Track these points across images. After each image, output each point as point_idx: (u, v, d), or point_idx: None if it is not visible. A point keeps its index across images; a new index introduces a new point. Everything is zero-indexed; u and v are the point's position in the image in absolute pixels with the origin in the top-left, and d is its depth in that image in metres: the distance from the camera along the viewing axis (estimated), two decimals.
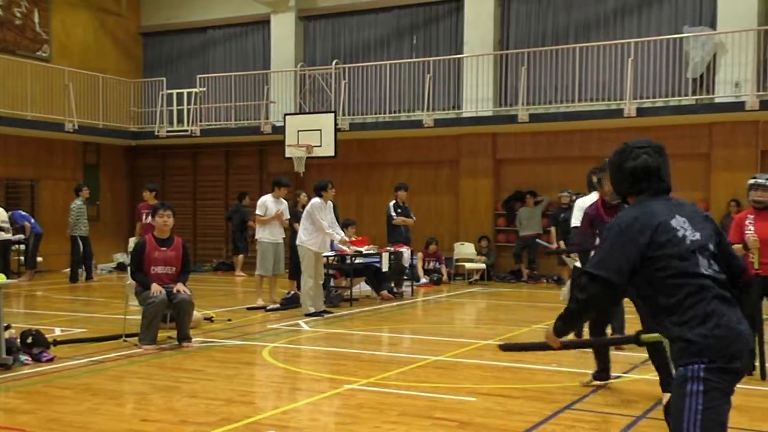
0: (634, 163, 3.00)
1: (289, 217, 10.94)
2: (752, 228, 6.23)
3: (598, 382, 5.86)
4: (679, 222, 2.85)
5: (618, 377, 6.18)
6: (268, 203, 10.71)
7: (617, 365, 6.53)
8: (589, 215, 5.87)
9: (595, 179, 5.66)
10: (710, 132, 13.58)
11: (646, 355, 7.03)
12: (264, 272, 10.75)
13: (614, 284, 2.80)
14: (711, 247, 2.85)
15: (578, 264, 7.77)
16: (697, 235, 2.83)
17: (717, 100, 13.29)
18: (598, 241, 5.81)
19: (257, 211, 10.80)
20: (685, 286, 2.73)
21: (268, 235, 10.66)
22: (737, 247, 6.21)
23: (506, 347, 3.37)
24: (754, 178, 6.32)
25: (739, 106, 12.72)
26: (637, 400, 5.47)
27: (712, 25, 13.56)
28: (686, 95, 13.55)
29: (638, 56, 13.57)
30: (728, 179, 13.40)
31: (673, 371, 2.79)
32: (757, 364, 6.09)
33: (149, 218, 10.46)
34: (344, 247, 10.87)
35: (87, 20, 17.87)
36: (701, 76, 13.53)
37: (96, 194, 17.80)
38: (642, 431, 4.78)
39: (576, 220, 8.18)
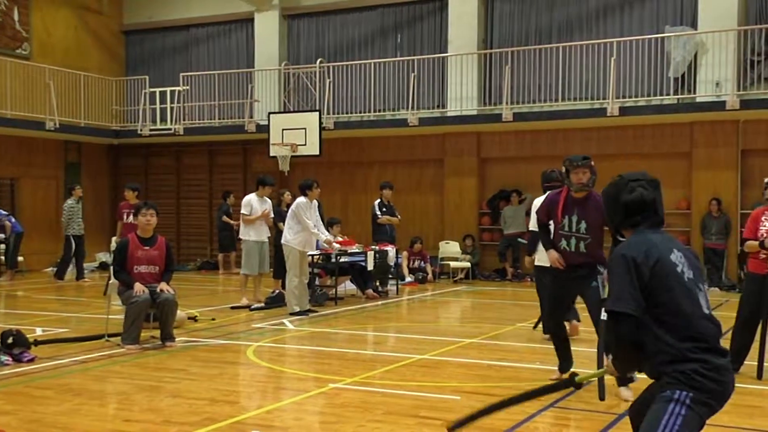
0: (629, 197, 3.06)
1: (273, 215, 10.91)
2: (767, 225, 6.17)
3: (565, 375, 5.85)
4: (677, 257, 2.94)
5: None
6: (254, 202, 10.67)
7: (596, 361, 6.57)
8: (549, 202, 5.76)
9: (564, 169, 5.58)
10: (691, 131, 13.70)
11: None
12: (249, 271, 10.72)
13: (634, 316, 2.85)
14: (701, 286, 2.96)
15: (539, 263, 7.79)
16: (691, 274, 2.94)
17: (698, 100, 13.42)
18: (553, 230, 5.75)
19: (243, 211, 10.75)
20: (688, 326, 2.84)
21: (253, 234, 10.63)
22: (752, 243, 6.19)
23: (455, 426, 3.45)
24: None
25: (719, 106, 12.85)
26: (619, 397, 5.51)
27: (693, 24, 13.69)
28: (668, 94, 13.67)
29: (621, 56, 13.66)
30: (709, 178, 13.54)
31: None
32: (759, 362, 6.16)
33: (130, 218, 10.42)
34: (328, 246, 10.85)
35: (68, 18, 17.70)
36: (683, 76, 13.65)
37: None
38: (624, 428, 4.80)
39: (533, 225, 8.24)
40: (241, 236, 10.90)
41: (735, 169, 13.52)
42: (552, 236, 5.82)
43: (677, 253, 2.94)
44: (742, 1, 13.38)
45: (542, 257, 7.96)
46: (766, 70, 13.19)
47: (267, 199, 10.87)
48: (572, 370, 3.11)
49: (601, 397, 5.23)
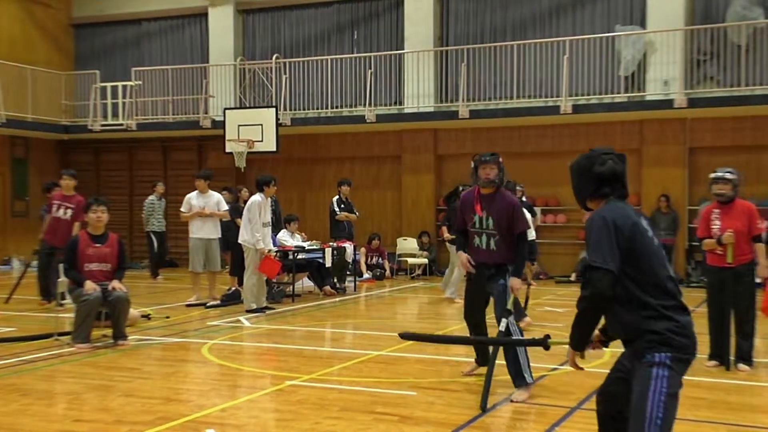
0: (601, 168, 3.21)
1: (219, 210, 10.53)
2: (718, 222, 6.31)
3: (482, 368, 5.90)
4: (645, 224, 3.13)
5: (554, 369, 6.32)
6: (192, 199, 10.44)
7: (553, 357, 6.68)
8: (464, 202, 5.75)
9: (473, 164, 5.58)
10: (641, 129, 14.03)
11: None
12: (193, 269, 10.54)
13: (612, 272, 3.00)
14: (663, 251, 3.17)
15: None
16: (656, 239, 3.16)
17: (647, 98, 13.74)
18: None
19: (181, 208, 10.58)
20: (658, 285, 3.02)
21: (196, 231, 10.42)
22: (710, 242, 6.36)
23: (406, 336, 3.52)
24: (715, 171, 6.40)
25: (667, 104, 13.18)
26: (573, 391, 5.61)
27: (643, 24, 14.01)
28: (619, 93, 13.97)
29: (573, 54, 13.90)
30: (658, 175, 13.89)
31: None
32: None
33: (61, 211, 9.78)
34: (287, 243, 10.77)
35: (13, 10, 17.18)
36: (633, 74, 13.97)
37: (24, 189, 17.16)
38: (577, 421, 4.90)
39: None
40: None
41: (683, 166, 13.90)
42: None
43: (644, 221, 3.16)
44: (689, 1, 13.75)
45: None
46: (711, 70, 13.58)
47: (213, 193, 10.55)
48: (547, 333, 3.29)
49: (483, 406, 5.05)
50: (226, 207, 10.70)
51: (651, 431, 2.95)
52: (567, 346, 3.24)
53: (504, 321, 5.40)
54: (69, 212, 9.76)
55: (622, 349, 3.20)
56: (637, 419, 3.00)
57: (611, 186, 3.21)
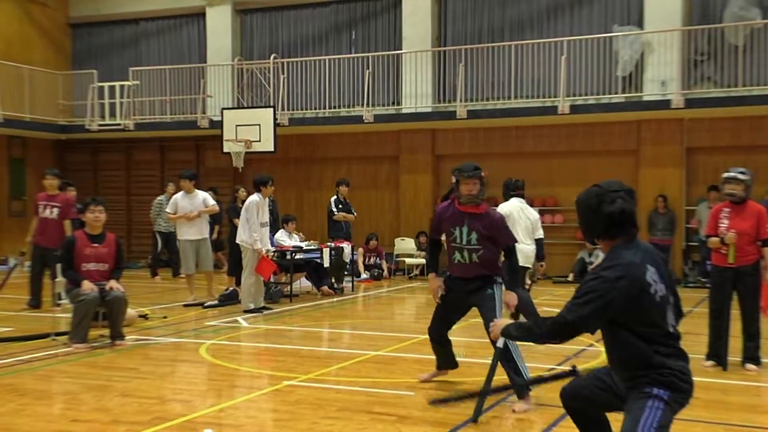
0: (611, 208, 3.10)
1: (207, 206, 10.41)
2: (726, 222, 6.30)
3: (442, 372, 5.87)
4: (651, 274, 3.06)
5: (551, 369, 6.32)
6: (178, 201, 10.39)
7: (552, 357, 6.69)
8: (438, 215, 5.50)
9: (453, 179, 5.30)
10: (638, 129, 14.05)
11: (578, 347, 7.24)
12: (185, 270, 10.54)
13: (580, 330, 3.04)
14: (671, 300, 3.15)
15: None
16: (663, 288, 3.11)
17: (645, 98, 13.76)
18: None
19: (167, 209, 10.56)
20: (661, 333, 3.07)
21: (184, 233, 10.38)
22: (714, 240, 6.35)
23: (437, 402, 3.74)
24: (728, 171, 6.36)
25: (665, 104, 13.20)
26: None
27: (640, 24, 14.03)
28: (616, 93, 13.99)
29: (571, 54, 13.92)
30: (655, 175, 13.90)
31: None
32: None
33: (47, 211, 9.75)
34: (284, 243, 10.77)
35: (10, 10, 17.15)
36: (630, 75, 13.99)
37: (21, 189, 17.13)
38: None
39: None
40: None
41: (680, 166, 13.92)
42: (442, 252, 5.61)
43: (651, 270, 3.07)
44: (686, 2, 13.77)
45: (526, 257, 8.09)
46: (709, 70, 13.60)
47: (199, 192, 10.46)
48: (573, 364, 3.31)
49: (475, 419, 4.87)
50: (213, 202, 10.53)
51: None
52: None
53: (501, 338, 5.26)
54: (55, 211, 9.75)
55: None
56: None
57: (621, 227, 3.11)
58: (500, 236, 5.35)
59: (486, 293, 5.34)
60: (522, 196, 8.38)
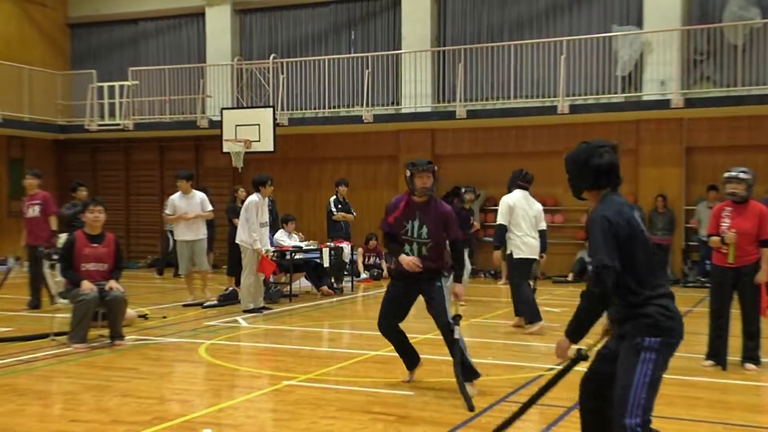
0: (599, 161, 3.39)
1: (204, 210, 10.41)
2: (728, 221, 6.30)
3: (414, 372, 5.88)
4: (638, 216, 3.35)
5: (551, 369, 6.32)
6: (176, 201, 10.37)
7: (551, 357, 6.68)
8: (391, 206, 5.65)
9: (408, 173, 5.45)
10: (638, 129, 14.04)
11: (577, 347, 7.23)
12: (181, 271, 10.56)
13: (617, 270, 3.20)
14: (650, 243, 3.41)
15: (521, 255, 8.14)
16: (646, 231, 3.38)
17: (644, 98, 13.76)
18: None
19: (166, 210, 10.55)
20: (650, 275, 3.28)
21: (180, 233, 10.37)
22: (715, 239, 6.35)
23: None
24: (729, 170, 6.37)
25: (664, 104, 13.20)
26: (570, 390, 5.60)
27: (639, 24, 14.03)
28: (616, 93, 13.99)
29: (570, 54, 13.92)
30: (655, 175, 13.90)
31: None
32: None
33: (30, 210, 9.81)
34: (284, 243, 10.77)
35: (9, 10, 17.15)
36: (630, 74, 13.99)
37: (20, 189, 17.08)
38: (574, 421, 4.89)
39: (501, 219, 8.40)
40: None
41: (680, 165, 13.92)
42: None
43: (637, 214, 3.37)
44: (685, 1, 13.78)
45: (522, 250, 8.13)
46: (708, 70, 13.60)
47: (196, 192, 10.43)
48: (577, 347, 3.28)
49: (470, 407, 5.04)
50: (210, 207, 10.52)
51: (634, 412, 3.15)
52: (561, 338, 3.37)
53: (456, 329, 5.35)
54: (37, 209, 9.87)
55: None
56: (622, 400, 3.18)
57: (608, 178, 3.38)
58: (449, 230, 5.53)
59: (435, 285, 5.51)
60: (527, 189, 8.41)
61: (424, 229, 5.46)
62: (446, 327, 5.43)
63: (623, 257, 3.22)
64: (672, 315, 3.26)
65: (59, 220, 10.17)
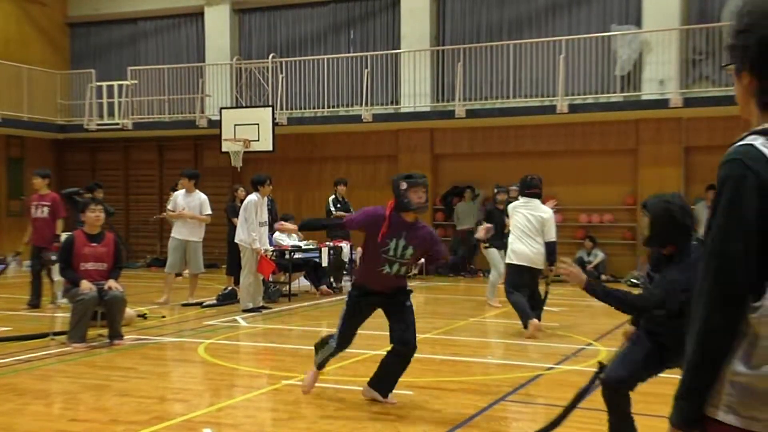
0: (690, 220, 3.59)
1: (202, 213, 10.32)
2: None
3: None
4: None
5: (550, 368, 6.33)
6: (179, 199, 10.33)
7: (550, 357, 6.70)
8: (376, 215, 5.28)
9: (404, 186, 5.06)
10: (637, 128, 14.05)
11: (577, 346, 7.24)
12: (167, 268, 10.38)
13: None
14: None
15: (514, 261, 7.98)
16: None
17: (643, 98, 13.76)
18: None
19: (168, 206, 10.52)
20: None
21: (175, 232, 10.33)
22: None
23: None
24: None
25: (663, 104, 13.20)
26: (569, 390, 5.60)
27: (638, 23, 14.03)
28: (615, 92, 13.99)
29: (569, 54, 13.92)
30: (654, 174, 13.90)
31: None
32: None
33: (38, 211, 9.73)
34: (283, 242, 10.75)
35: (9, 9, 17.13)
36: (629, 74, 13.98)
37: (20, 189, 17.11)
38: (574, 421, 4.90)
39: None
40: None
41: (679, 165, 13.92)
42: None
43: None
44: (684, 1, 13.78)
45: (511, 257, 8.07)
46: (707, 69, 13.61)
47: (199, 192, 10.37)
48: (599, 360, 3.33)
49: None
50: (209, 210, 10.37)
51: None
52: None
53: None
54: (46, 210, 9.79)
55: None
56: None
57: (690, 236, 3.60)
58: (435, 250, 5.24)
59: (406, 305, 5.23)
60: (537, 195, 8.09)
61: (409, 250, 5.08)
62: (410, 344, 5.21)
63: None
64: None
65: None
